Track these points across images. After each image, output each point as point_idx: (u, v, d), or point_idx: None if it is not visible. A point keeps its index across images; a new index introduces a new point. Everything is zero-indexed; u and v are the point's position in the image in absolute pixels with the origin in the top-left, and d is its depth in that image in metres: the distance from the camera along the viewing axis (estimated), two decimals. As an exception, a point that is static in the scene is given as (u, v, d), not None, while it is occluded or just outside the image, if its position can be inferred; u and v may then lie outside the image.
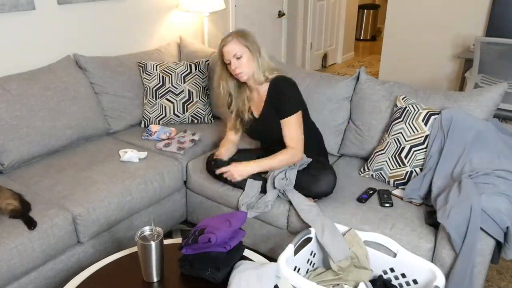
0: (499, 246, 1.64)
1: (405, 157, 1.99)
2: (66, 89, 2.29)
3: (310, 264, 1.77)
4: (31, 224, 1.68)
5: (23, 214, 1.72)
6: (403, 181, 1.99)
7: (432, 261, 1.68)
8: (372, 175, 2.11)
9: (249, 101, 2.06)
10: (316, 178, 1.89)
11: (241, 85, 2.04)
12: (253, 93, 2.04)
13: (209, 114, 2.72)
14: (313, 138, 2.11)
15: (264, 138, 2.15)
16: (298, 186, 1.92)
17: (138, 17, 2.90)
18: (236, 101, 2.07)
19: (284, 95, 1.93)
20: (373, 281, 1.71)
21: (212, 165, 2.11)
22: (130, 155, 2.19)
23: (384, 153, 2.06)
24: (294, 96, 1.95)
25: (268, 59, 1.98)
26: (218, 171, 2.00)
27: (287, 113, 1.92)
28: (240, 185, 2.06)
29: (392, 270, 1.68)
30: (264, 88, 1.99)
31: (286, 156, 1.92)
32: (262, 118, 2.03)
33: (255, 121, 2.06)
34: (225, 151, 2.13)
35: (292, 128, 1.93)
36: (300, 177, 1.92)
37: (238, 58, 1.89)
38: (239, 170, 1.93)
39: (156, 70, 2.65)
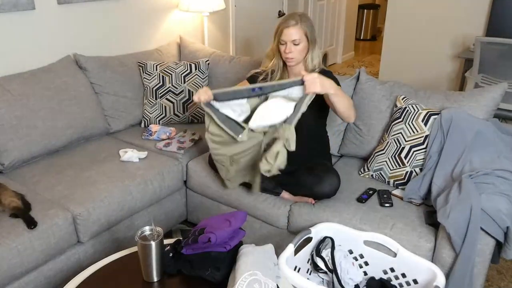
0: (499, 246, 1.64)
1: (405, 157, 1.99)
2: (66, 89, 2.30)
3: (310, 264, 1.77)
4: (31, 223, 1.68)
5: (24, 213, 1.72)
6: (403, 181, 1.99)
7: (432, 261, 1.68)
8: (372, 175, 2.11)
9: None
10: (320, 179, 1.88)
11: (284, 69, 2.07)
12: (291, 76, 2.06)
13: (209, 114, 2.72)
14: (325, 142, 2.16)
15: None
16: (301, 186, 1.93)
17: (138, 17, 2.90)
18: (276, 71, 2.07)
19: (333, 77, 1.97)
20: (372, 281, 1.71)
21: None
22: (130, 155, 2.19)
23: (384, 153, 2.06)
24: (338, 82, 1.97)
25: (321, 54, 2.01)
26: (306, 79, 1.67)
27: (338, 84, 1.92)
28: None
29: (392, 270, 1.68)
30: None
31: (350, 101, 1.85)
32: None
33: None
34: None
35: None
36: (304, 176, 1.92)
37: (295, 44, 1.91)
38: (322, 80, 1.66)
39: (156, 70, 2.65)
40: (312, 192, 1.90)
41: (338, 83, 1.98)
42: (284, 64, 2.05)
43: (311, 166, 1.98)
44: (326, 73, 2.02)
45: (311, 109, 1.85)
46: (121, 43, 2.81)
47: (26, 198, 1.83)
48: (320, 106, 1.95)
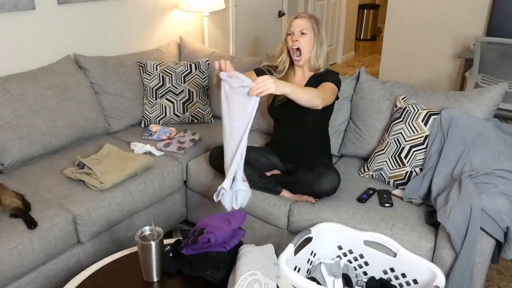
0: (499, 246, 1.63)
1: (405, 157, 1.99)
2: (66, 89, 2.30)
3: (310, 264, 1.77)
4: (31, 223, 1.68)
5: (25, 213, 1.72)
6: (403, 181, 1.99)
7: (432, 261, 1.69)
8: (372, 175, 2.11)
9: (291, 79, 2.11)
10: (320, 176, 1.89)
11: (291, 67, 2.09)
12: (298, 72, 2.09)
13: (209, 114, 2.72)
14: (325, 142, 2.17)
15: (285, 119, 2.09)
16: (301, 183, 1.93)
17: (138, 17, 2.90)
18: (282, 78, 2.04)
19: (331, 77, 1.99)
20: (372, 281, 1.71)
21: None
22: (141, 146, 2.28)
23: (384, 153, 2.06)
24: (338, 82, 2.01)
25: (327, 54, 2.04)
26: (257, 81, 1.59)
27: (329, 80, 1.95)
28: (248, 180, 2.06)
29: (392, 270, 1.67)
30: (308, 74, 2.05)
31: (314, 94, 1.77)
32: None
33: (289, 101, 1.93)
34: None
35: (327, 88, 1.92)
36: (304, 174, 1.93)
37: (302, 34, 1.95)
38: (276, 81, 1.62)
39: (156, 70, 2.65)
40: (312, 189, 1.90)
41: (336, 82, 1.99)
42: (292, 63, 2.07)
43: (311, 164, 1.99)
44: (330, 72, 2.05)
45: (314, 109, 1.86)
46: (121, 43, 2.81)
47: (26, 198, 1.83)
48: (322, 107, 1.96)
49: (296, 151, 2.11)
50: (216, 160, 2.10)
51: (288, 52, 2.04)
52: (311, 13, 2.06)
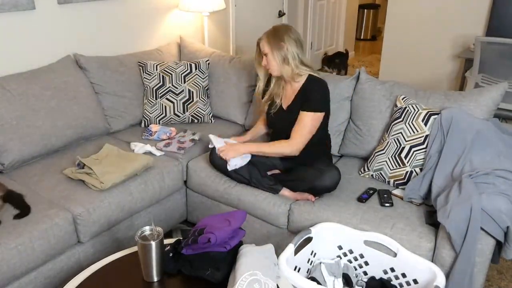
0: (499, 246, 1.63)
1: (405, 157, 1.99)
2: (66, 89, 2.29)
3: (310, 264, 1.77)
4: (23, 209, 1.70)
5: (14, 200, 1.74)
6: (403, 181, 1.99)
7: (432, 261, 1.68)
8: (372, 175, 2.11)
9: (283, 90, 2.12)
10: (321, 172, 1.89)
11: (278, 78, 2.11)
12: (287, 85, 2.10)
13: (209, 114, 2.72)
14: (322, 145, 2.16)
15: (282, 130, 2.10)
16: (302, 181, 1.94)
17: (138, 17, 2.90)
18: (274, 85, 2.13)
19: (314, 92, 1.99)
20: (371, 281, 1.71)
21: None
22: (141, 146, 2.29)
23: (384, 153, 2.06)
24: (322, 97, 2.00)
25: (298, 58, 1.99)
26: (218, 151, 2.07)
27: (308, 107, 1.97)
28: (242, 179, 2.07)
29: (392, 269, 1.68)
30: (298, 84, 2.04)
31: (281, 147, 2.01)
32: (289, 111, 2.06)
33: (281, 112, 2.11)
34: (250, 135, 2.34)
35: (304, 123, 1.97)
36: (304, 171, 1.93)
37: (265, 54, 1.99)
38: (234, 149, 2.03)
39: (156, 70, 2.65)
40: (313, 186, 1.90)
41: (321, 104, 1.98)
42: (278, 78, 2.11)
43: (311, 162, 1.99)
44: (314, 89, 2.00)
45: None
46: (121, 43, 2.81)
47: (17, 195, 1.85)
48: None
49: (293, 157, 2.11)
50: (217, 159, 2.11)
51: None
52: (272, 28, 2.03)
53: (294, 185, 2.00)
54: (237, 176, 2.09)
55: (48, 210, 1.79)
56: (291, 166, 2.11)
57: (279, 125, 2.13)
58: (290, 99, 2.07)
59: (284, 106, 2.10)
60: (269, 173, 2.14)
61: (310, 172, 1.92)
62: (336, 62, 5.35)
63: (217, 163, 2.12)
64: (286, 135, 2.03)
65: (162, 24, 3.08)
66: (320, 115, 1.98)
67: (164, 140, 2.43)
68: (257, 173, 2.05)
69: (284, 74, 2.00)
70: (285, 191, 2.02)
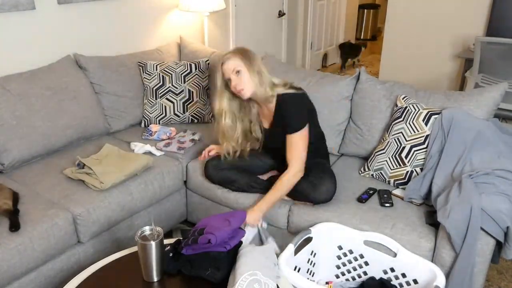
0: (499, 246, 1.63)
1: (406, 157, 1.98)
2: (66, 88, 2.29)
3: (310, 264, 1.77)
4: (14, 226, 1.66)
5: (12, 215, 1.71)
6: (403, 181, 1.99)
7: (432, 261, 1.68)
8: (372, 174, 2.11)
9: (259, 115, 2.02)
10: (315, 187, 1.87)
11: (247, 104, 1.98)
12: (262, 107, 1.98)
13: (209, 114, 2.72)
14: (318, 145, 2.09)
15: (275, 147, 2.02)
16: (298, 192, 1.91)
17: (138, 17, 2.90)
18: (242, 122, 1.99)
19: (288, 113, 1.87)
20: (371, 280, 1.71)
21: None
22: (141, 146, 2.28)
23: (384, 152, 2.06)
24: (296, 114, 1.88)
25: (269, 75, 1.91)
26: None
27: (291, 131, 1.86)
28: (242, 188, 2.07)
29: (392, 270, 1.67)
30: (272, 104, 1.93)
31: (288, 181, 1.86)
32: (274, 129, 1.98)
33: (266, 132, 2.02)
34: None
35: (295, 146, 1.87)
36: (300, 184, 1.89)
37: (237, 72, 1.82)
38: (253, 219, 1.80)
39: (156, 70, 2.65)
40: (308, 199, 1.90)
41: (302, 122, 1.86)
42: (245, 101, 1.94)
43: (307, 167, 1.94)
44: (286, 100, 1.88)
45: (283, 132, 1.87)
46: (121, 43, 2.81)
47: (20, 197, 1.83)
48: None
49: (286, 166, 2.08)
50: (213, 171, 2.11)
51: (233, 94, 1.91)
52: (235, 48, 1.90)
53: (292, 196, 1.96)
54: (232, 187, 2.09)
55: (48, 210, 1.79)
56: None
57: (271, 144, 2.04)
58: (270, 118, 1.98)
59: (266, 126, 2.02)
60: (266, 175, 2.14)
61: (305, 186, 1.88)
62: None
63: (212, 176, 2.12)
64: (281, 150, 1.93)
65: (162, 24, 3.08)
66: (305, 130, 1.88)
67: (164, 140, 2.43)
68: (252, 184, 2.05)
69: (258, 93, 1.85)
70: (284, 196, 2.01)
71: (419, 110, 2.01)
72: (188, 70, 2.68)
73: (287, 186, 1.87)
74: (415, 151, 1.97)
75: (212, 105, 2.73)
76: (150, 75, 2.64)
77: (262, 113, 2.02)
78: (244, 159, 2.09)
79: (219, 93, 1.93)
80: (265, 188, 2.00)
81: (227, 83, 1.89)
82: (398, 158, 2.01)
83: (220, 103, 1.94)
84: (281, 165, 2.12)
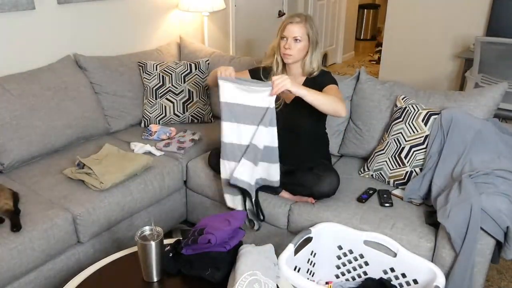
0: (499, 246, 1.63)
1: (405, 157, 1.98)
2: (66, 88, 2.29)
3: (310, 264, 1.77)
4: (16, 226, 1.66)
5: (13, 215, 1.71)
6: (403, 181, 1.99)
7: (432, 261, 1.68)
8: (372, 175, 2.11)
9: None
10: (319, 178, 1.88)
11: (283, 68, 2.05)
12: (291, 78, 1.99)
13: (209, 114, 2.72)
14: (323, 143, 2.15)
15: (288, 125, 2.00)
16: (301, 186, 1.92)
17: (138, 17, 2.90)
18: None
19: (327, 80, 1.97)
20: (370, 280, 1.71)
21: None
22: (141, 146, 2.28)
23: (384, 153, 2.06)
24: (335, 81, 1.99)
25: (322, 56, 1.97)
26: (274, 79, 1.73)
27: (332, 82, 1.93)
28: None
29: (392, 270, 1.67)
30: (301, 79, 2.01)
31: (336, 103, 1.77)
32: (295, 104, 1.98)
33: (285, 107, 2.02)
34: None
35: (335, 92, 1.90)
36: (304, 176, 1.92)
37: (296, 41, 1.90)
38: (289, 81, 1.70)
39: (156, 69, 2.65)
40: (311, 191, 1.90)
41: (335, 83, 1.97)
42: (284, 65, 2.03)
43: (310, 165, 1.98)
44: (325, 74, 2.02)
45: (308, 110, 1.85)
46: (121, 43, 2.81)
47: (20, 197, 1.83)
48: (315, 110, 1.91)
49: (294, 155, 2.09)
50: (217, 161, 2.10)
51: (280, 51, 1.99)
52: (306, 15, 1.97)
53: (293, 189, 1.99)
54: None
55: (48, 210, 1.79)
56: (291, 168, 2.10)
57: (286, 121, 1.98)
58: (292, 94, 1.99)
59: (288, 101, 2.04)
60: None
61: (309, 178, 1.90)
62: None
63: (217, 165, 2.11)
64: (285, 130, 1.91)
65: (162, 24, 3.08)
66: (340, 92, 1.94)
67: (164, 140, 2.43)
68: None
69: (306, 66, 1.95)
70: (284, 193, 2.02)
71: (418, 110, 2.01)
72: (188, 70, 2.68)
73: (333, 104, 1.77)
74: (414, 151, 1.97)
75: (212, 105, 2.74)
76: (150, 75, 2.64)
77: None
78: None
79: (274, 45, 2.00)
80: (265, 188, 2.01)
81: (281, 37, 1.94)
82: (397, 158, 2.01)
83: (272, 50, 2.02)
84: (286, 167, 2.07)
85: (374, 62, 6.20)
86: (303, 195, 1.96)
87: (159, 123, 2.64)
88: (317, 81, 1.97)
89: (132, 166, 2.04)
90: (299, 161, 2.05)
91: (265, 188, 2.02)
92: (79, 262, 1.90)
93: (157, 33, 3.05)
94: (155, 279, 1.42)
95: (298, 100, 1.93)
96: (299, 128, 2.02)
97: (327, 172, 1.92)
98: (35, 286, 1.75)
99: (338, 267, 1.83)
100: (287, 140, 2.02)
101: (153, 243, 1.36)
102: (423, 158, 1.94)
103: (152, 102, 2.63)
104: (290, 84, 1.69)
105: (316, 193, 1.89)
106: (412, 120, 2.00)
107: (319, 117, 2.05)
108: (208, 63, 2.76)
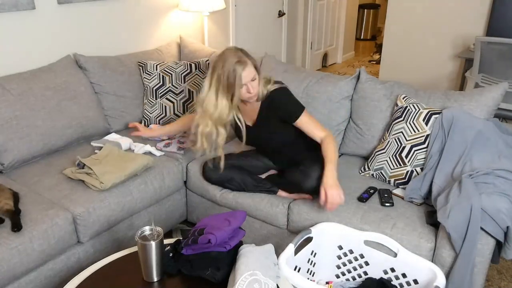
0: (499, 246, 1.63)
1: (406, 156, 1.98)
2: (66, 88, 2.29)
3: (310, 264, 1.77)
4: (16, 226, 1.66)
5: (14, 215, 1.71)
6: (403, 180, 1.98)
7: (432, 261, 1.68)
8: (372, 174, 2.11)
9: (240, 111, 1.99)
10: (305, 174, 1.87)
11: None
12: (247, 106, 1.97)
13: (209, 114, 2.71)
14: (300, 140, 2.03)
15: (261, 143, 2.09)
16: (292, 184, 1.93)
17: (138, 17, 2.90)
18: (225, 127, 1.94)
19: (284, 105, 1.90)
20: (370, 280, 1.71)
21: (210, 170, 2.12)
22: (141, 146, 2.28)
23: (384, 152, 2.06)
24: (293, 102, 1.92)
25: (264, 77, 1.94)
26: (328, 206, 1.72)
27: (296, 116, 1.88)
28: (237, 188, 2.08)
29: (392, 270, 1.67)
30: (256, 105, 1.95)
31: (332, 146, 1.84)
32: (259, 125, 1.98)
33: (250, 130, 2.00)
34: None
35: (307, 124, 1.90)
36: (292, 175, 1.92)
37: (253, 80, 1.81)
38: (338, 195, 1.71)
39: (156, 69, 2.65)
40: (301, 189, 1.89)
41: (300, 107, 1.90)
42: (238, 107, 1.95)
43: (297, 160, 1.97)
44: (277, 94, 1.91)
45: (273, 127, 1.92)
46: (121, 43, 2.81)
47: (21, 197, 1.83)
48: (281, 122, 1.94)
49: (279, 159, 2.12)
50: (211, 172, 2.11)
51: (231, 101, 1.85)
52: (237, 49, 1.85)
53: (288, 188, 2.00)
54: (231, 186, 2.10)
55: (48, 210, 1.79)
56: (283, 167, 2.10)
57: (258, 140, 2.05)
58: (254, 115, 1.97)
59: (250, 124, 2.00)
60: (265, 174, 2.14)
61: (297, 176, 1.89)
62: None
63: (211, 176, 2.13)
64: (270, 148, 2.03)
65: (162, 24, 3.08)
66: (306, 111, 1.91)
67: (164, 140, 2.43)
68: (250, 180, 2.06)
69: (260, 94, 1.88)
70: (282, 193, 2.03)
71: (419, 109, 2.01)
72: (188, 70, 2.68)
73: (335, 149, 1.84)
74: (415, 150, 1.97)
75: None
76: (150, 75, 2.64)
77: (244, 112, 1.99)
78: (242, 159, 2.10)
79: (222, 105, 1.83)
80: (270, 186, 2.03)
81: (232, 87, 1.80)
82: (398, 158, 2.00)
83: (220, 103, 1.84)
84: (278, 163, 2.13)
85: (374, 62, 6.21)
86: (297, 193, 1.97)
87: (159, 123, 2.64)
88: (273, 106, 1.91)
89: (132, 166, 2.04)
90: (286, 160, 2.06)
91: (263, 189, 2.03)
92: (79, 262, 1.90)
93: (157, 33, 3.05)
94: (155, 279, 1.42)
95: (260, 123, 1.97)
96: (272, 143, 2.02)
97: (314, 166, 1.87)
98: (35, 286, 1.75)
99: (339, 267, 1.83)
100: (268, 151, 2.11)
101: (153, 243, 1.36)
102: (424, 158, 1.94)
103: (152, 102, 2.63)
104: (341, 198, 1.71)
105: (306, 190, 1.89)
106: (413, 120, 2.00)
107: (285, 128, 1.97)
108: (208, 63, 2.76)
